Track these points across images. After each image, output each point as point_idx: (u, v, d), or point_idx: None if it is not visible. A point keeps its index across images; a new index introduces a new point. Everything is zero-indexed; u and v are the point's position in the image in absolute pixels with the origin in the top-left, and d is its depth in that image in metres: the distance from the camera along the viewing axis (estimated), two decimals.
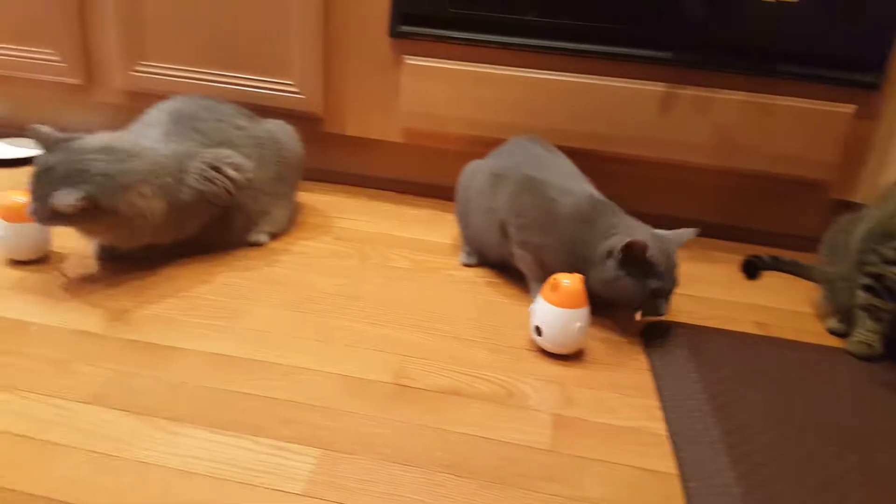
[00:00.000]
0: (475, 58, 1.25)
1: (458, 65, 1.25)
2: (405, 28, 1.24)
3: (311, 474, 0.67)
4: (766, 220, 1.35)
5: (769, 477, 0.72)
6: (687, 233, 0.97)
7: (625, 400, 0.84)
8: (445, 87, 1.26)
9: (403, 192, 1.44)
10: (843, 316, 1.05)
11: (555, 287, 0.89)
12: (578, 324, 0.89)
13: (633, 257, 0.91)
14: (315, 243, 1.18)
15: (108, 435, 0.70)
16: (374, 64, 1.29)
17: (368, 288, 1.04)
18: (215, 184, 1.05)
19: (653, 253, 0.90)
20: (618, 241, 0.92)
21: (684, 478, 0.72)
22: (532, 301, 1.03)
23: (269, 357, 0.85)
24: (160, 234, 1.02)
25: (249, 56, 1.31)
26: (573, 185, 1.01)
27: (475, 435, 0.75)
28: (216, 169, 1.05)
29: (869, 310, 0.97)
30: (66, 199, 0.89)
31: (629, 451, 0.75)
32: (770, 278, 1.23)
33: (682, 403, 0.84)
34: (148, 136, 1.06)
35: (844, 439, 0.79)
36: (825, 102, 1.18)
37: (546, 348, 0.91)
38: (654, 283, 0.92)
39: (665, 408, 0.83)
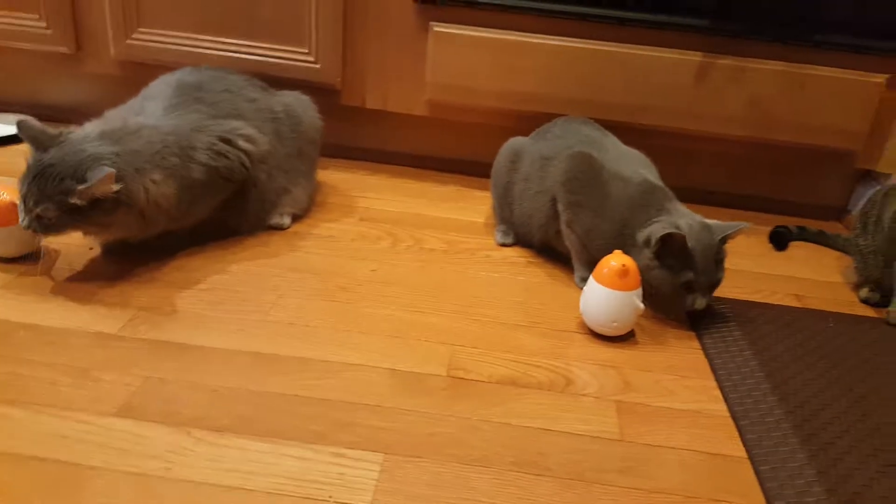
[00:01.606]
0: (507, 25, 1.20)
1: (489, 32, 1.19)
2: None
3: (377, 482, 0.63)
4: (792, 190, 1.35)
5: (839, 454, 0.72)
6: (738, 225, 0.93)
7: (682, 382, 0.83)
8: (475, 56, 1.21)
9: (427, 169, 1.39)
10: (874, 285, 1.06)
11: (609, 269, 0.87)
12: (633, 306, 0.87)
13: (670, 248, 0.89)
14: (340, 225, 1.14)
15: (145, 452, 0.64)
16: (397, 31, 1.23)
17: (403, 272, 1.01)
18: (228, 157, 0.98)
19: (692, 244, 0.88)
20: (657, 230, 0.89)
21: (755, 461, 0.71)
22: (576, 283, 1.02)
23: (311, 353, 0.81)
24: (173, 219, 0.95)
25: (260, 22, 1.23)
26: (626, 169, 0.98)
27: (542, 428, 0.73)
28: (227, 142, 0.99)
29: None
30: (100, 177, 0.80)
31: (696, 436, 0.74)
32: (797, 249, 1.23)
33: (741, 383, 0.83)
34: (147, 111, 0.97)
35: None
36: (858, 72, 1.16)
37: (599, 331, 0.90)
38: (689, 276, 0.90)
39: (723, 388, 0.82)
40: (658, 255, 0.90)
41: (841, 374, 0.86)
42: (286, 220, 1.10)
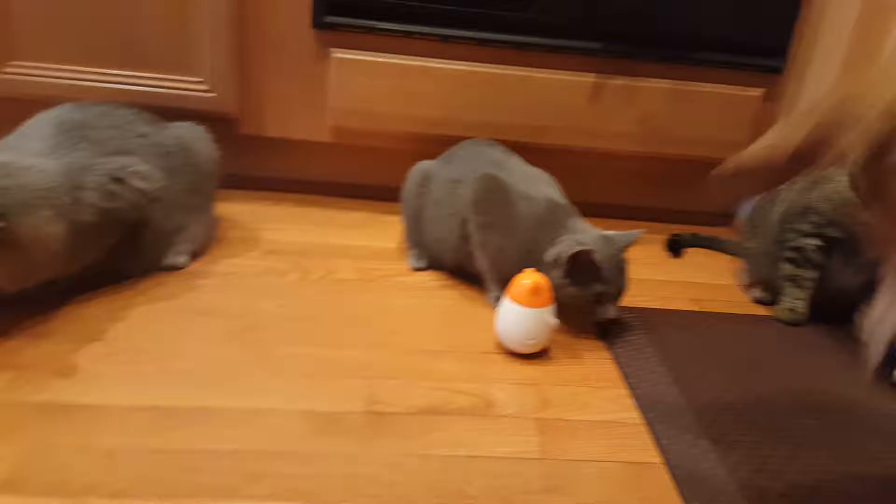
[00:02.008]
0: (408, 50, 1.20)
1: (390, 58, 1.20)
2: (331, 18, 1.17)
3: None
4: (684, 200, 1.43)
5: (747, 451, 0.76)
6: (634, 234, 0.98)
7: (597, 393, 0.86)
8: (377, 81, 1.20)
9: (335, 196, 1.37)
10: (765, 286, 1.13)
11: (521, 287, 0.88)
12: (547, 322, 0.89)
13: (579, 265, 0.92)
14: (243, 260, 1.09)
15: None
16: (297, 57, 1.20)
17: (314, 306, 0.98)
18: (120, 197, 0.92)
19: (598, 258, 0.92)
20: (564, 249, 0.92)
21: (670, 465, 0.74)
22: (490, 303, 1.03)
23: (216, 402, 0.76)
24: (60, 265, 0.88)
25: (147, 51, 1.18)
26: (531, 188, 1.00)
27: (465, 455, 0.73)
28: (118, 181, 0.93)
29: (793, 279, 1.05)
30: None
31: (613, 446, 0.76)
32: (692, 255, 1.30)
33: (651, 389, 0.86)
34: (27, 149, 0.90)
35: (799, 404, 0.85)
36: (737, 87, 1.25)
37: (515, 349, 0.91)
38: (599, 288, 0.93)
39: (635, 395, 0.85)
40: (568, 272, 0.92)
41: (741, 373, 0.91)
42: (183, 259, 1.05)
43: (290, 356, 0.86)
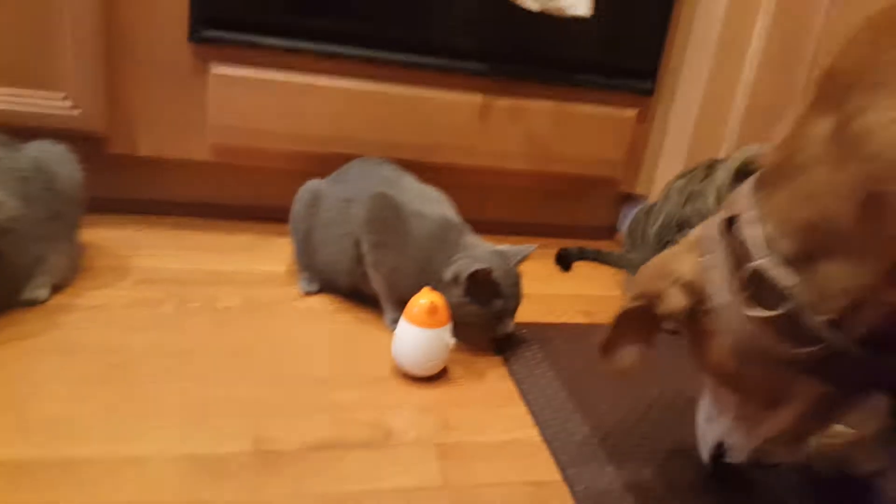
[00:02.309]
0: (293, 67, 1.15)
1: (276, 74, 1.14)
2: (210, 33, 1.10)
3: None
4: (570, 215, 1.48)
5: (643, 462, 0.78)
6: (527, 248, 1.00)
7: (497, 412, 0.85)
8: (261, 98, 1.15)
9: (216, 218, 1.29)
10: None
11: (418, 307, 0.87)
12: (445, 342, 0.88)
13: (478, 283, 0.92)
14: (112, 291, 0.99)
15: None
16: (172, 72, 1.12)
17: (196, 339, 0.91)
18: None
19: (497, 276, 0.92)
20: (462, 267, 0.92)
21: (569, 482, 0.74)
22: (387, 325, 1.00)
23: (83, 452, 0.68)
24: None
25: (1, 63, 1.06)
26: (424, 206, 0.99)
27: (364, 490, 0.69)
28: None
29: None
30: None
31: (515, 467, 0.76)
32: (580, 268, 1.34)
33: (547, 405, 0.87)
34: None
35: (691, 411, 0.89)
36: (613, 108, 1.31)
37: (413, 373, 0.89)
38: (499, 305, 0.94)
39: (533, 413, 0.86)
40: (468, 291, 0.92)
41: (632, 383, 0.94)
42: (43, 293, 0.94)
43: (167, 395, 0.79)
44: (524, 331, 1.04)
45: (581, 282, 1.28)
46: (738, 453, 0.67)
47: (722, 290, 0.60)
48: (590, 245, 1.40)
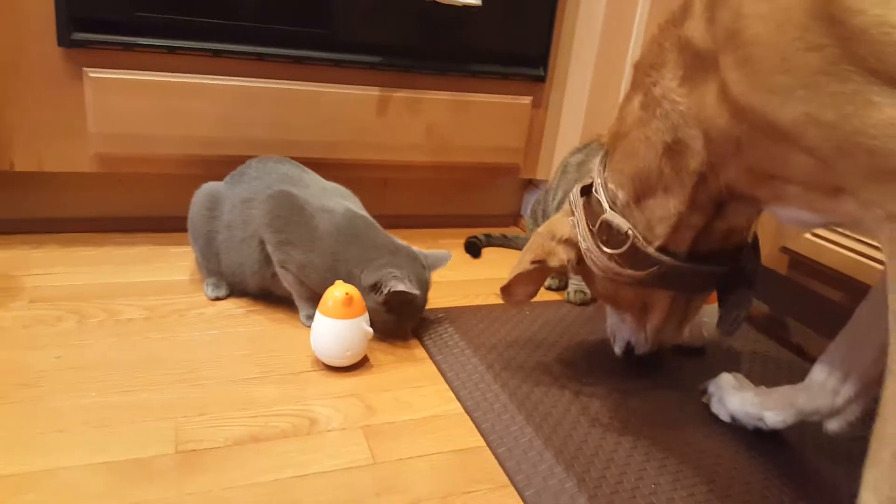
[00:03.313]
0: (176, 67, 1.12)
1: (157, 76, 1.10)
2: (81, 35, 1.05)
3: None
4: (475, 204, 1.51)
5: (557, 421, 0.82)
6: (445, 256, 1.02)
7: (418, 392, 0.87)
8: (144, 102, 1.10)
9: (109, 231, 1.23)
10: (553, 274, 1.24)
11: (333, 300, 0.87)
12: (362, 332, 0.88)
13: (399, 300, 0.93)
14: (7, 312, 0.93)
15: None
16: (44, 80, 1.06)
17: (99, 353, 0.87)
18: None
19: (419, 297, 0.94)
20: (386, 280, 0.91)
21: (492, 446, 0.77)
22: (302, 321, 0.99)
23: None
24: None
25: None
26: (329, 201, 0.99)
27: (293, 476, 0.69)
28: None
29: None
30: None
31: (440, 438, 0.78)
32: (489, 254, 1.38)
33: (467, 379, 0.89)
34: None
35: (593, 374, 0.94)
36: (509, 96, 1.36)
37: (334, 364, 0.88)
38: (408, 313, 0.96)
39: (453, 388, 0.88)
40: (387, 303, 0.93)
41: (543, 353, 0.98)
42: None
43: (77, 409, 0.75)
44: (440, 315, 1.06)
45: (491, 266, 1.31)
46: (640, 347, 0.88)
47: (587, 240, 0.78)
48: (496, 231, 1.44)
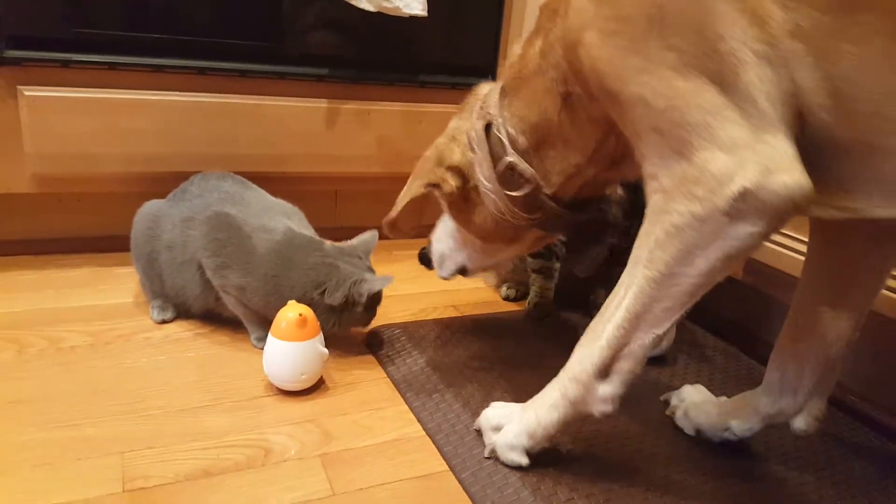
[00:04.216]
0: (114, 83, 1.07)
1: (94, 92, 1.06)
2: (14, 53, 0.99)
3: None
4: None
5: None
6: (372, 237, 1.01)
7: (378, 414, 0.85)
8: (82, 120, 1.06)
9: (48, 253, 1.17)
10: (512, 283, 1.24)
11: (286, 321, 0.84)
12: (318, 353, 0.86)
13: (373, 299, 0.94)
14: None
15: None
16: None
17: (39, 384, 0.82)
18: None
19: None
20: (356, 290, 0.91)
21: (455, 471, 0.76)
22: (253, 344, 0.96)
23: None
24: None
25: None
26: (269, 220, 0.96)
27: None
28: None
29: (541, 271, 1.15)
30: None
31: (402, 464, 0.76)
32: None
33: (427, 399, 0.88)
34: None
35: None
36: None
37: (288, 388, 0.86)
38: (376, 301, 0.96)
39: (413, 409, 0.86)
40: (368, 307, 0.94)
41: (505, 368, 0.98)
42: None
43: (17, 446, 0.71)
44: (397, 331, 1.05)
45: None
46: (475, 272, 0.97)
47: (491, 180, 0.80)
48: None
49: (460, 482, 0.74)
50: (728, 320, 1.17)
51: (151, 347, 0.93)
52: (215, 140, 1.16)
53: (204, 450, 0.74)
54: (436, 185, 0.83)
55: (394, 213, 0.86)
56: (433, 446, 0.80)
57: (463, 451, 0.78)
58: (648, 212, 0.63)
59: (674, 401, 0.90)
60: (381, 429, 0.82)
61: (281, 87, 1.20)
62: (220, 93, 1.15)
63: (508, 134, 0.76)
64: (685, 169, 0.58)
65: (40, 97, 1.03)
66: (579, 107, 0.70)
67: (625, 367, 0.67)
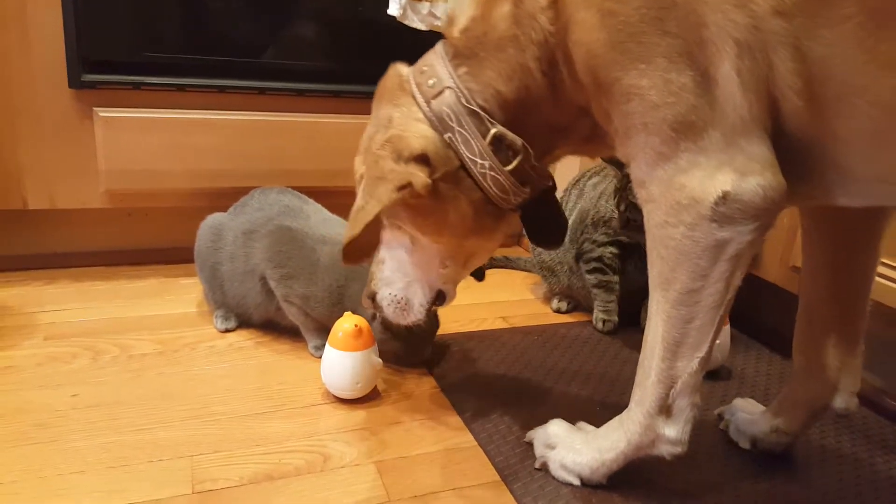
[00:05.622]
0: (180, 104, 1.14)
1: (165, 112, 1.12)
2: (91, 77, 1.07)
3: None
4: None
5: None
6: None
7: (429, 424, 0.87)
8: (152, 138, 1.12)
9: (119, 265, 1.24)
10: (563, 296, 1.24)
11: (343, 332, 0.87)
12: (372, 364, 0.89)
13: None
14: (20, 351, 0.94)
15: None
16: (55, 120, 1.08)
17: (114, 389, 0.88)
18: None
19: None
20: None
21: (507, 482, 0.77)
22: (311, 353, 1.00)
23: None
24: None
25: None
26: (329, 232, 1.00)
27: None
28: None
29: (601, 286, 1.15)
30: None
31: (454, 473, 0.78)
32: (492, 276, 1.39)
33: (478, 410, 0.90)
34: None
35: (608, 402, 0.94)
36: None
37: (344, 396, 0.89)
38: (426, 351, 0.98)
39: (464, 419, 0.88)
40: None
41: (554, 379, 0.99)
42: None
43: (95, 448, 0.76)
44: (449, 341, 1.07)
45: (496, 289, 1.32)
46: (451, 296, 0.83)
47: (485, 156, 0.69)
48: (498, 252, 1.45)
49: (512, 493, 0.75)
50: (783, 334, 1.15)
51: (215, 355, 0.98)
52: (274, 156, 1.21)
53: (266, 454, 0.78)
54: (407, 186, 0.68)
55: (352, 232, 0.72)
56: (484, 456, 0.81)
57: (514, 462, 0.80)
58: (646, 225, 0.64)
59: (726, 415, 0.89)
60: (433, 438, 0.84)
61: (333, 104, 1.24)
62: (278, 111, 1.20)
63: (481, 106, 0.68)
64: (671, 175, 0.59)
65: (114, 118, 1.10)
66: (561, 89, 0.66)
67: (682, 403, 0.67)
